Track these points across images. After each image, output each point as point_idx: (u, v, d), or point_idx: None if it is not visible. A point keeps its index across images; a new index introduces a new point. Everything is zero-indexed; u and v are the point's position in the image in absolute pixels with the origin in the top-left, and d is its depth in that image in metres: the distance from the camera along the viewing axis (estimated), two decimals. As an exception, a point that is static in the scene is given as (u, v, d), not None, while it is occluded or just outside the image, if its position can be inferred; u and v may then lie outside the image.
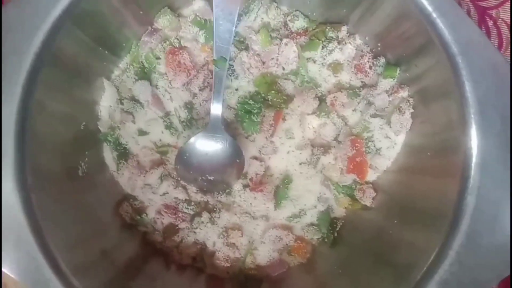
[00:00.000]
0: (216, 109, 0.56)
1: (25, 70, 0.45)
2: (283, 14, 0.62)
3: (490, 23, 0.69)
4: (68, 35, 0.48)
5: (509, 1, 0.67)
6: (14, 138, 0.45)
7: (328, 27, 0.61)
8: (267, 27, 0.62)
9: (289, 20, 0.61)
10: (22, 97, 0.45)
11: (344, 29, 0.61)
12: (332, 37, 0.61)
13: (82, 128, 0.57)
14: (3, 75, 0.45)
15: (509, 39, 0.67)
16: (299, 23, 0.61)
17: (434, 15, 0.47)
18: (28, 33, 0.45)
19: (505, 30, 0.68)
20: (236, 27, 0.56)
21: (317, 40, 0.61)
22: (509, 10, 0.67)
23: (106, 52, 0.58)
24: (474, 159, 0.46)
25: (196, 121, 0.62)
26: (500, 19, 0.68)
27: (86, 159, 0.57)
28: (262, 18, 0.62)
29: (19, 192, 0.46)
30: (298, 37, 0.61)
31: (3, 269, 0.45)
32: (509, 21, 0.67)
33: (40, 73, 0.46)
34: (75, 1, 0.46)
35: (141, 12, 0.58)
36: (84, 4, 0.48)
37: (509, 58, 0.66)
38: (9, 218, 0.45)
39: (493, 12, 0.69)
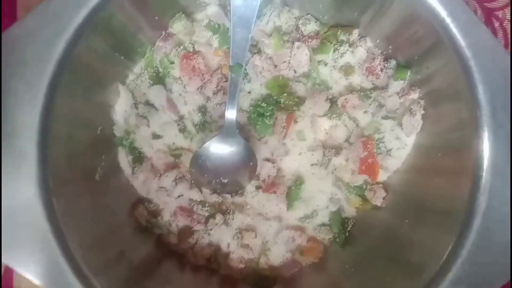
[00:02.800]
0: (231, 114, 0.57)
1: (47, 78, 0.46)
2: (294, 18, 0.63)
3: (497, 24, 0.70)
4: (87, 42, 0.49)
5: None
6: (36, 145, 0.46)
7: (339, 30, 0.62)
8: (279, 31, 0.63)
9: (301, 24, 0.62)
10: (44, 103, 0.46)
11: (356, 32, 0.62)
12: (343, 40, 0.62)
13: (98, 132, 0.58)
14: (26, 83, 0.46)
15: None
16: (311, 27, 0.62)
17: (448, 20, 0.48)
18: (49, 41, 0.46)
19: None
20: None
21: (329, 43, 0.61)
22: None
23: (122, 57, 0.59)
24: (486, 160, 0.47)
25: (209, 124, 0.63)
26: (506, 20, 0.69)
27: (103, 163, 0.58)
28: (274, 22, 0.63)
29: (41, 196, 0.47)
30: (310, 40, 0.62)
31: (27, 274, 0.46)
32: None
33: (61, 80, 0.47)
34: (95, 9, 0.47)
35: (156, 18, 0.59)
36: (103, 12, 0.48)
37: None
38: (33, 223, 0.46)
39: (500, 13, 0.70)
